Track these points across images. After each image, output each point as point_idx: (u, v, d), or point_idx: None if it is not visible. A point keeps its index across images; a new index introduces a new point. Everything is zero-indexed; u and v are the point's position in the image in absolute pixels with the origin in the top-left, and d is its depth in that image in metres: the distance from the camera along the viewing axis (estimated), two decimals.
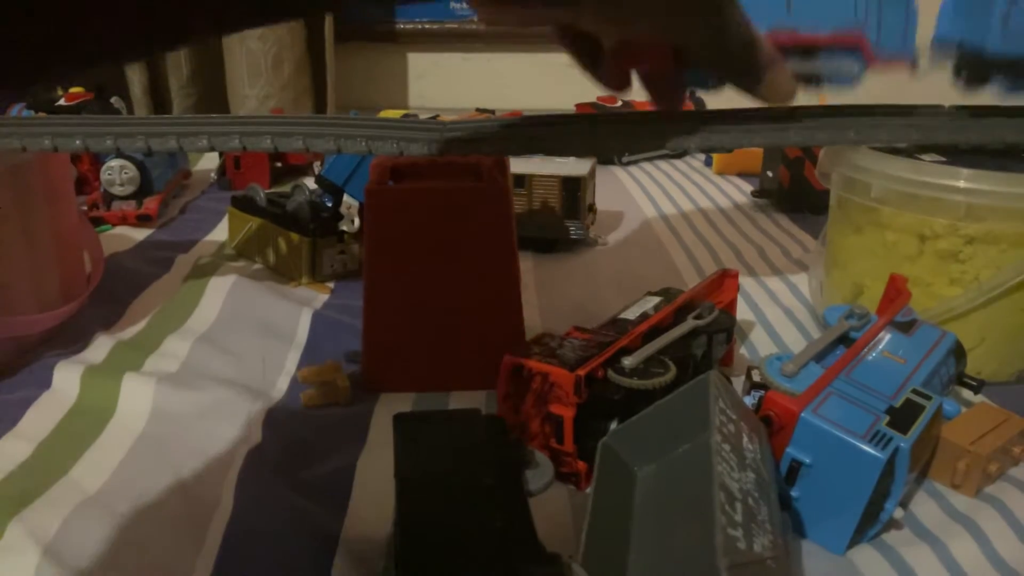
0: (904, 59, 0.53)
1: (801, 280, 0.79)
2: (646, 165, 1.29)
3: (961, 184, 0.55)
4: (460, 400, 0.56)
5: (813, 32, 0.51)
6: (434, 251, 0.54)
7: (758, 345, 0.65)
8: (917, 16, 0.52)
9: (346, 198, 0.78)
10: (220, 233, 0.92)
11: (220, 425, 0.51)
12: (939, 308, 0.57)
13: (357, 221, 0.81)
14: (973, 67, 0.54)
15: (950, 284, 0.57)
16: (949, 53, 0.55)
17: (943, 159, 0.58)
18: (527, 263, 0.83)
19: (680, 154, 1.36)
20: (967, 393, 0.56)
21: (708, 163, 1.27)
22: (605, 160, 1.27)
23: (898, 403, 0.43)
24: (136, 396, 0.54)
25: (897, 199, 0.58)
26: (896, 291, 0.54)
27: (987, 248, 0.55)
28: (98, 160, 1.00)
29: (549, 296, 0.75)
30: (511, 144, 0.51)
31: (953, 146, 0.61)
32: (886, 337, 0.50)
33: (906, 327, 0.51)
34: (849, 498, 0.40)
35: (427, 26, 1.63)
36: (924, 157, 0.59)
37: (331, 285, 0.76)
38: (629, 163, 1.30)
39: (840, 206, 0.65)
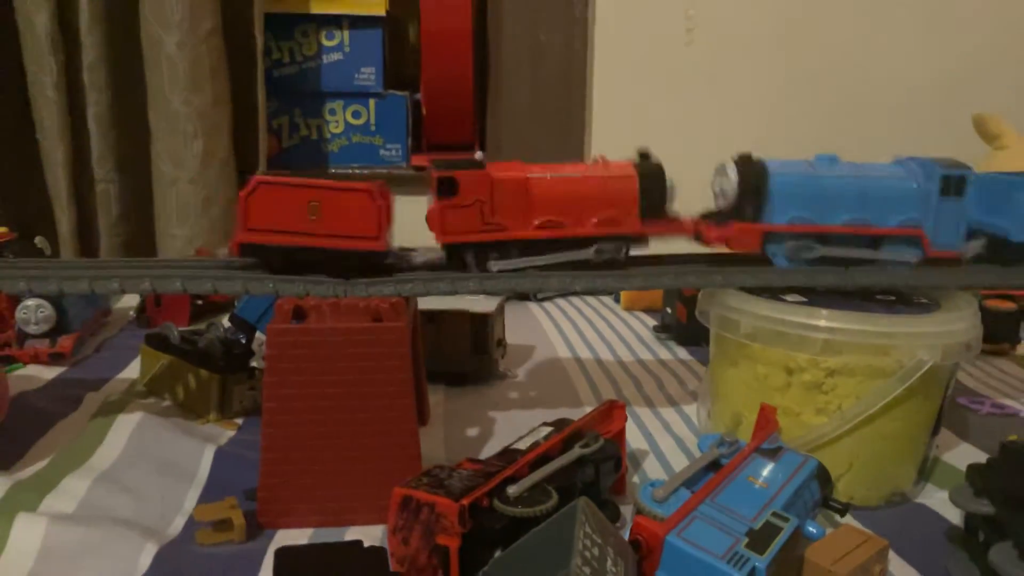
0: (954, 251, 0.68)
1: (693, 410, 0.83)
2: (560, 301, 1.35)
3: (821, 323, 0.61)
4: (357, 535, 0.56)
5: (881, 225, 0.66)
6: (332, 388, 0.56)
7: (650, 473, 0.68)
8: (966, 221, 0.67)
9: (259, 335, 0.80)
10: (133, 371, 0.93)
11: (109, 564, 0.51)
12: (809, 436, 0.62)
13: None
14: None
15: (817, 413, 0.62)
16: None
17: (804, 299, 0.65)
18: (438, 396, 0.85)
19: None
20: (839, 517, 0.60)
21: (617, 299, 1.33)
22: (520, 296, 1.33)
23: (758, 525, 0.46)
24: (26, 535, 0.53)
25: (765, 336, 0.63)
26: (766, 420, 0.59)
27: (846, 380, 0.61)
28: (14, 298, 1.00)
29: (455, 428, 0.77)
30: None
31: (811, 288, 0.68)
32: (752, 463, 0.54)
33: (771, 453, 0.55)
34: None
35: (358, 171, 1.72)
36: (787, 298, 0.65)
37: (239, 421, 0.77)
38: (544, 299, 1.36)
39: (718, 342, 0.70)
